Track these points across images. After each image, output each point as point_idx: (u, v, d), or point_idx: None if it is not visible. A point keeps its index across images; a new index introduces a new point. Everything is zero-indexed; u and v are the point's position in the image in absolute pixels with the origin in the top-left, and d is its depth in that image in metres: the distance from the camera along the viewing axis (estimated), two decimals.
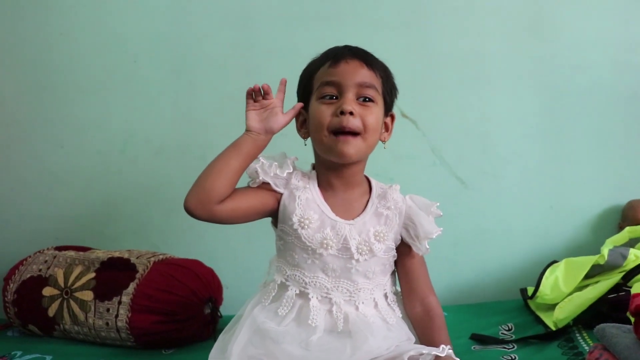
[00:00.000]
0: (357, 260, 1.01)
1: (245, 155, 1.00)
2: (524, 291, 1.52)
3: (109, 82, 1.68)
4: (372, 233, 1.02)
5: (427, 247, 1.04)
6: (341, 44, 1.07)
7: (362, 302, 1.01)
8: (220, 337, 1.06)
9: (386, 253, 1.04)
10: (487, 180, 1.66)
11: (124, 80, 1.67)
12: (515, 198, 1.66)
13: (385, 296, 1.05)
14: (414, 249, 1.05)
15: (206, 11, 1.66)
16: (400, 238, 1.06)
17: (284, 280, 1.02)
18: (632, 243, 1.45)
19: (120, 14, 1.67)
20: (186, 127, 1.68)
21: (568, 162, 1.67)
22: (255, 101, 1.03)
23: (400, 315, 1.06)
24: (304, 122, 1.06)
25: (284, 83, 1.04)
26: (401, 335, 1.02)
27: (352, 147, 0.99)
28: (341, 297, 1.00)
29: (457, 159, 1.65)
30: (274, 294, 1.02)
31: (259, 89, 1.03)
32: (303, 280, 1.01)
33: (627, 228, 1.49)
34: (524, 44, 1.65)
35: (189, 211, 0.98)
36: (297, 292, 1.01)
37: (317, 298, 1.00)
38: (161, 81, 1.67)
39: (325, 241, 1.00)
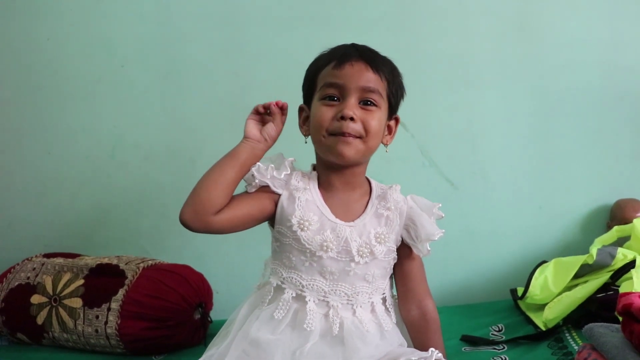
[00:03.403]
0: (357, 263, 0.99)
1: (242, 165, 0.99)
2: (513, 291, 1.52)
3: (97, 87, 1.67)
4: (372, 235, 1.00)
5: (429, 248, 1.03)
6: (329, 46, 1.05)
7: (360, 306, 0.99)
8: (213, 342, 1.03)
9: (387, 255, 1.02)
10: (476, 181, 1.67)
11: (112, 85, 1.67)
12: (505, 199, 1.67)
13: (384, 300, 1.03)
14: (414, 250, 1.04)
15: (194, 15, 1.66)
16: (400, 239, 1.04)
17: (279, 283, 1.00)
18: (620, 242, 1.46)
19: (107, 18, 1.66)
20: (175, 132, 1.68)
21: (557, 163, 1.68)
22: (259, 113, 1.03)
23: (395, 321, 1.04)
24: (306, 119, 1.05)
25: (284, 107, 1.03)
26: (393, 341, 1.01)
27: (351, 148, 0.98)
28: (339, 300, 0.99)
29: (446, 160, 1.66)
30: (269, 296, 1.00)
31: (269, 106, 1.02)
32: (300, 283, 0.99)
33: (616, 227, 1.50)
34: (512, 44, 1.66)
35: (185, 223, 0.95)
36: (294, 295, 0.99)
37: (314, 301, 0.98)
38: (149, 85, 1.67)
39: (325, 243, 0.98)
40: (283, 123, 1.03)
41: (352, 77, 0.99)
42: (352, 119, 0.97)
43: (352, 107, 0.98)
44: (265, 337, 0.95)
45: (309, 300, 0.98)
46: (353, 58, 1.00)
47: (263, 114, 1.03)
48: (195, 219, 0.95)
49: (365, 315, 0.99)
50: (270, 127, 1.01)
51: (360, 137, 0.98)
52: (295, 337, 0.96)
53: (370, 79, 0.99)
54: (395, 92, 1.04)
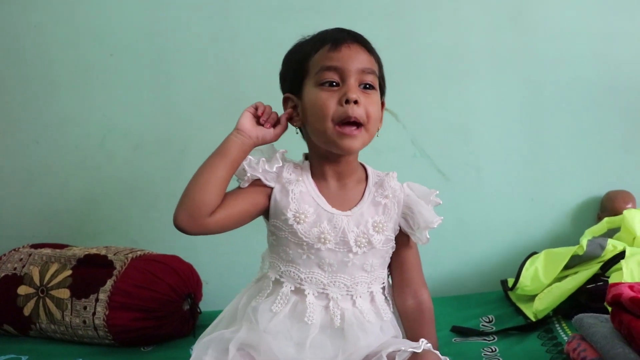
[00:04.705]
0: (355, 254, 0.98)
1: (232, 162, 0.95)
2: (504, 283, 1.53)
3: (86, 75, 1.65)
4: (370, 224, 0.99)
5: (428, 236, 1.01)
6: None
7: (360, 296, 0.98)
8: (208, 330, 1.02)
9: (385, 245, 1.01)
10: (468, 172, 1.66)
11: (101, 74, 1.65)
12: (496, 190, 1.67)
13: (383, 289, 1.02)
14: (412, 238, 1.02)
15: (184, 3, 1.64)
16: (398, 228, 1.03)
17: (278, 277, 0.99)
18: (610, 234, 1.47)
19: (97, 5, 1.64)
20: (165, 121, 1.66)
21: (548, 155, 1.68)
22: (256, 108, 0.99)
23: (392, 310, 1.03)
24: (294, 109, 1.00)
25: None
26: (390, 332, 1.00)
27: (357, 141, 0.95)
28: (338, 292, 0.97)
29: (438, 152, 1.65)
30: (268, 290, 0.99)
31: (265, 111, 0.98)
32: (298, 276, 0.97)
33: (606, 219, 1.51)
34: (504, 36, 1.65)
35: (180, 227, 0.93)
36: (293, 288, 0.97)
37: (313, 294, 0.97)
38: (139, 75, 1.65)
39: (322, 235, 0.96)
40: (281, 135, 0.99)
41: (350, 59, 0.95)
42: (356, 102, 0.94)
43: (355, 89, 0.95)
44: (266, 327, 0.94)
45: (308, 293, 0.97)
46: (348, 40, 0.97)
47: (260, 117, 0.98)
48: (191, 223, 0.93)
49: (365, 305, 0.98)
50: (268, 133, 0.97)
51: (362, 125, 0.96)
52: (295, 330, 0.95)
53: (366, 60, 0.97)
54: (383, 75, 1.02)
